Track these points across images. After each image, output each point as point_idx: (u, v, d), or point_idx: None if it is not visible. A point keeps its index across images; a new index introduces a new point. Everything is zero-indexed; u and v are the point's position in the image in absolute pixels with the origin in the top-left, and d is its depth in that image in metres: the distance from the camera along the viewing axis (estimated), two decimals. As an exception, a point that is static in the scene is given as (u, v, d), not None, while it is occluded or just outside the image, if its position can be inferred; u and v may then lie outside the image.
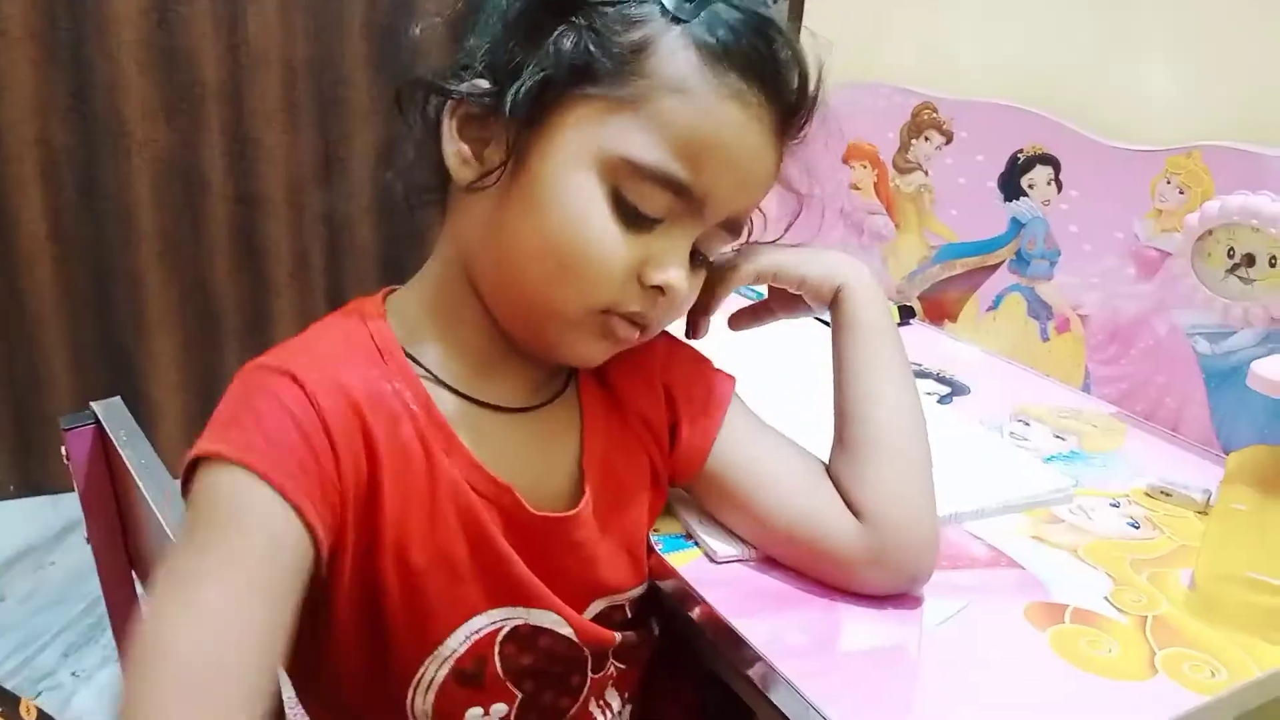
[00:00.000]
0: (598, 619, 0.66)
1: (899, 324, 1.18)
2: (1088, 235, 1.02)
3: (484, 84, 0.57)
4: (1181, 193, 0.92)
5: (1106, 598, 0.69)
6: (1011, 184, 1.08)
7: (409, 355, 0.60)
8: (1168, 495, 0.83)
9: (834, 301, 0.70)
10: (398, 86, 0.60)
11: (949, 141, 1.16)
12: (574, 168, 0.56)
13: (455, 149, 0.58)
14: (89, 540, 0.83)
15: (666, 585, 0.70)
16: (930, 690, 0.59)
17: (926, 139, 1.18)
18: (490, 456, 0.60)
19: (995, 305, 1.12)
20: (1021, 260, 1.09)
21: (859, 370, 0.69)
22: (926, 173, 1.19)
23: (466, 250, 0.61)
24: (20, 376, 1.86)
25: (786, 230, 0.71)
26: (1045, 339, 1.07)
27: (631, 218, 0.56)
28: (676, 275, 0.58)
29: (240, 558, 0.49)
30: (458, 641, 0.60)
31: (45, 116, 1.74)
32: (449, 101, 0.58)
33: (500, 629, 0.61)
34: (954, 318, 1.18)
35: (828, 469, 0.68)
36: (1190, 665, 0.62)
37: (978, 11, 1.16)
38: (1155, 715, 0.58)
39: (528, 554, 0.61)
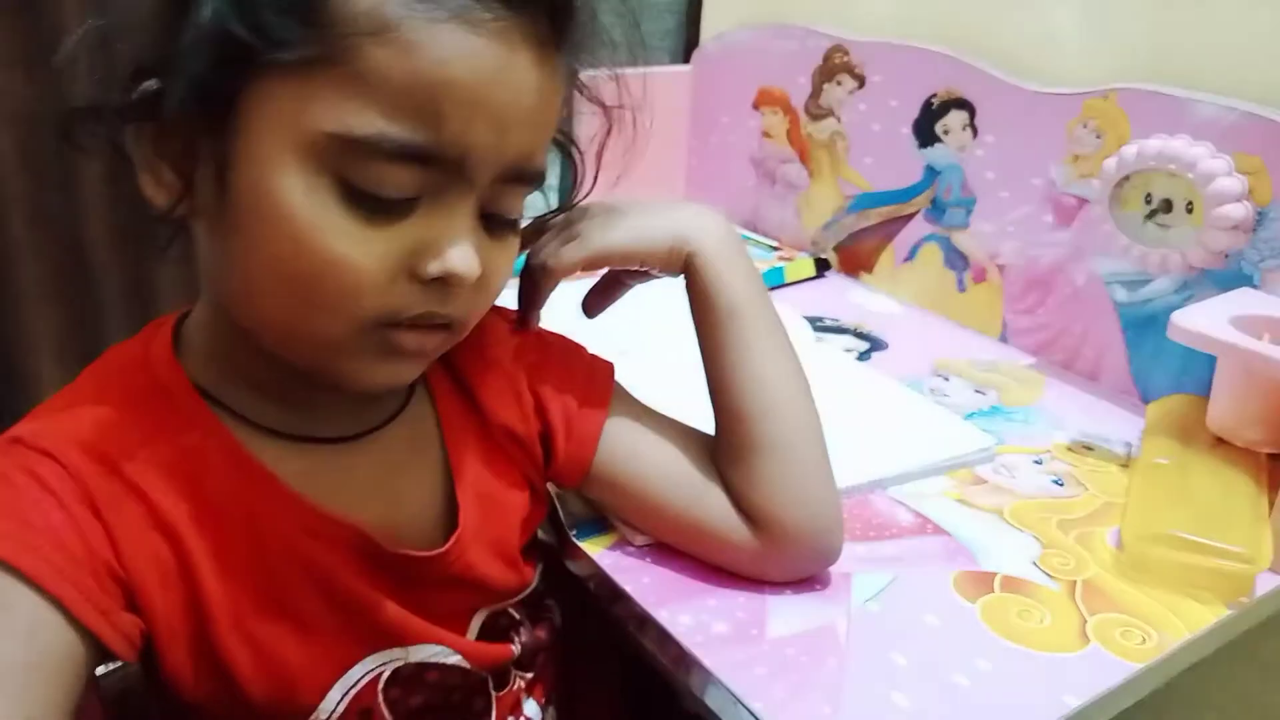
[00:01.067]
0: (484, 634, 0.60)
1: (814, 276, 1.15)
2: (1004, 182, 0.99)
3: (153, 85, 0.45)
4: (1098, 137, 0.90)
5: (1035, 563, 0.67)
6: (926, 130, 1.05)
7: (208, 395, 0.52)
8: (1090, 449, 0.81)
9: (686, 271, 0.61)
10: (58, 123, 0.47)
11: (861, 86, 1.12)
12: (280, 165, 0.44)
13: (145, 173, 0.48)
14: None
15: (582, 573, 0.66)
16: (860, 673, 0.56)
17: (839, 83, 1.14)
18: (327, 495, 0.53)
19: (911, 256, 1.10)
20: (937, 209, 1.06)
21: (729, 359, 0.61)
22: (839, 119, 1.15)
23: (212, 285, 0.52)
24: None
25: (599, 158, 0.60)
26: (962, 289, 1.05)
27: (373, 207, 0.45)
28: (459, 259, 0.46)
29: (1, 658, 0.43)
30: (334, 701, 0.53)
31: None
32: (127, 119, 0.47)
33: (379, 675, 0.55)
34: (870, 269, 1.15)
35: (716, 462, 0.63)
36: (1121, 631, 0.60)
37: (888, -51, 1.11)
38: (1089, 687, 0.56)
39: (393, 591, 0.54)
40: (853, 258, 1.17)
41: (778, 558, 0.61)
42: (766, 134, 1.25)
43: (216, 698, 0.52)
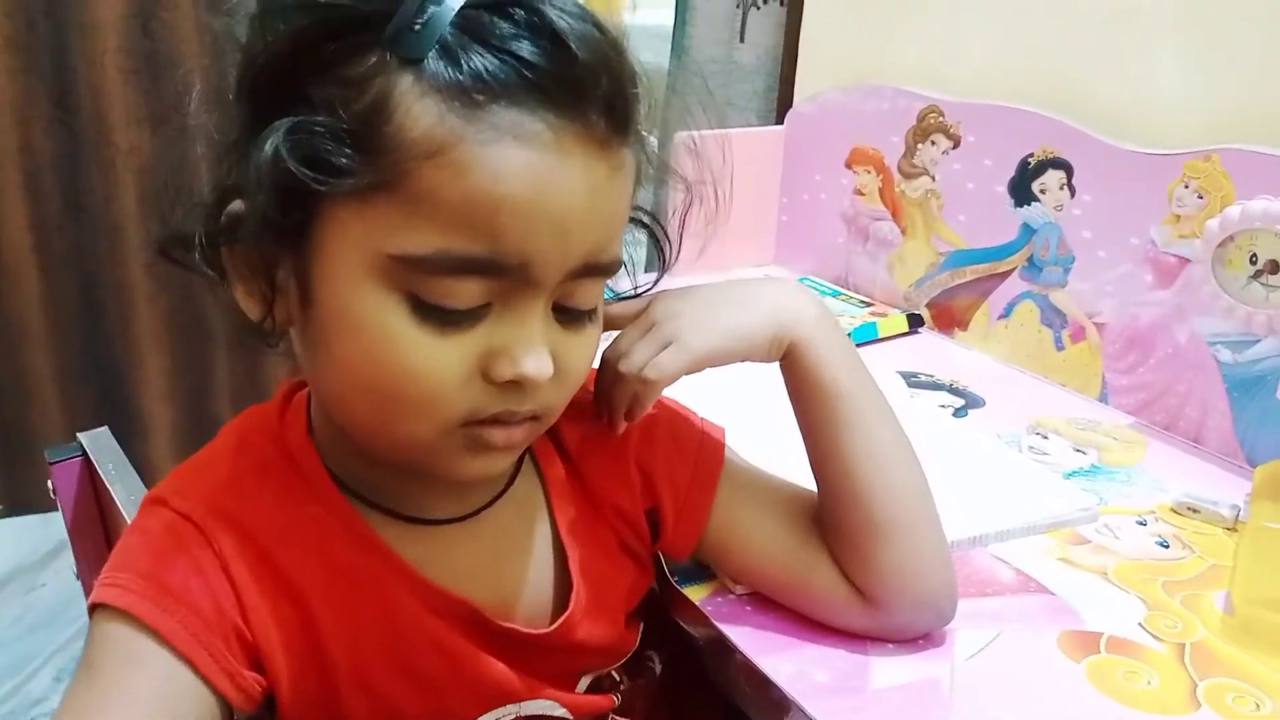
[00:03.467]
0: (591, 689, 0.62)
1: (907, 332, 1.16)
2: (1102, 241, 0.99)
3: (238, 207, 0.48)
4: (1200, 197, 0.90)
5: (1141, 624, 0.66)
6: (1022, 188, 1.06)
7: (332, 473, 0.55)
8: (1195, 511, 0.80)
9: (786, 357, 0.60)
10: (158, 248, 0.51)
11: (956, 146, 1.13)
12: (353, 284, 0.46)
13: (238, 285, 0.50)
14: (78, 576, 0.80)
15: (686, 622, 0.67)
16: (965, 730, 0.57)
17: (933, 143, 1.15)
18: (439, 572, 0.55)
19: (1007, 313, 1.10)
20: (1034, 267, 1.06)
21: (839, 443, 0.60)
22: (933, 178, 1.16)
23: (311, 385, 0.55)
24: (6, 393, 1.82)
25: (681, 228, 0.60)
26: (1060, 348, 1.04)
27: (444, 318, 0.46)
28: (530, 362, 0.47)
29: (135, 711, 0.46)
30: None
31: (27, 125, 1.70)
32: (215, 242, 0.49)
33: None
34: (964, 326, 1.15)
35: (823, 537, 0.62)
36: (1234, 697, 0.59)
37: (983, 10, 1.13)
38: (1201, 753, 0.55)
39: (506, 658, 0.57)
40: (946, 315, 1.17)
41: (887, 628, 0.62)
42: (859, 192, 1.26)
43: None
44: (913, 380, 1.04)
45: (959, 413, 0.97)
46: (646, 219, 0.60)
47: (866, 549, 0.60)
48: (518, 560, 0.59)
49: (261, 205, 0.46)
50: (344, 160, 0.44)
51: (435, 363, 0.47)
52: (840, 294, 1.26)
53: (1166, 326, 0.94)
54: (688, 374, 0.58)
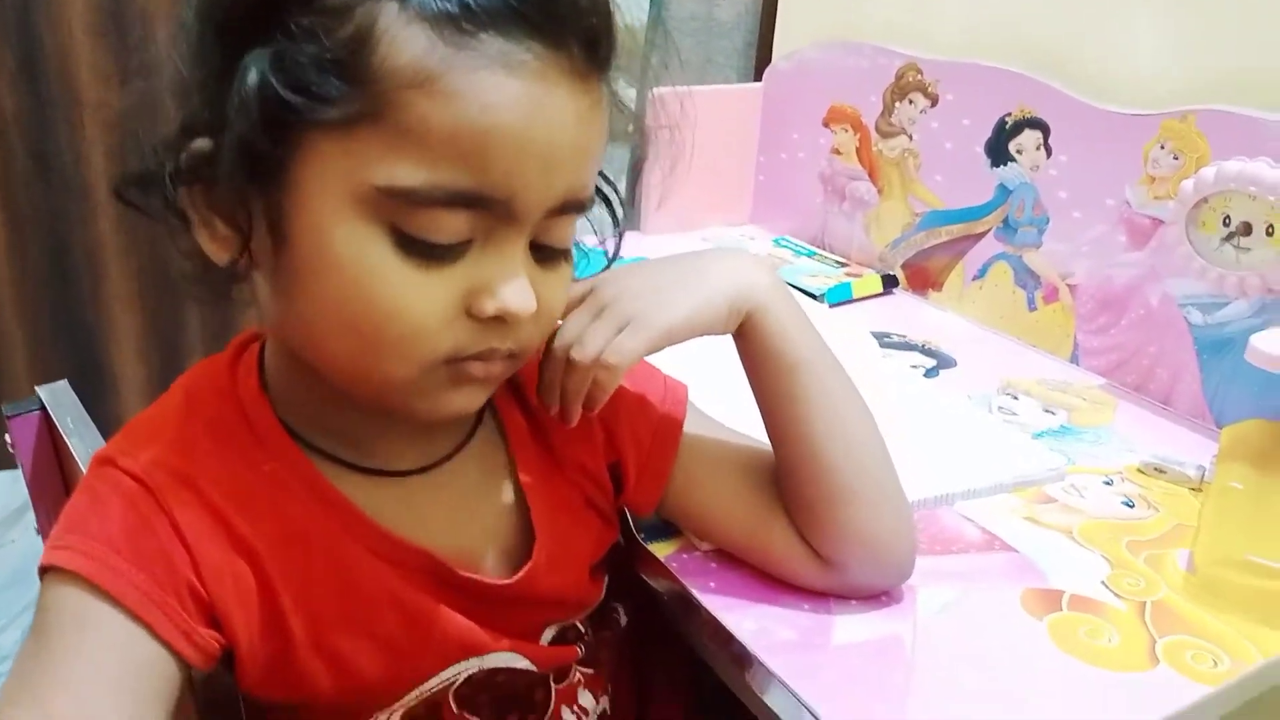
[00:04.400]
0: (556, 640, 0.62)
1: (881, 293, 1.15)
2: (1077, 202, 0.99)
3: (204, 144, 0.46)
4: (1176, 158, 0.89)
5: (1104, 582, 0.66)
6: (999, 149, 1.05)
7: (289, 428, 0.54)
8: (1161, 472, 0.80)
9: (740, 330, 0.59)
10: (115, 189, 0.49)
11: (934, 104, 1.12)
12: (333, 218, 0.45)
13: (202, 229, 0.48)
14: (38, 531, 0.79)
15: (651, 578, 0.67)
16: (926, 686, 0.57)
17: (911, 102, 1.14)
18: (401, 523, 0.55)
19: (981, 274, 1.09)
20: (1009, 228, 1.05)
21: (797, 413, 0.59)
22: (911, 137, 1.15)
23: (276, 331, 0.54)
24: (-26, 351, 1.80)
25: (636, 183, 0.59)
26: (1033, 309, 1.04)
27: (427, 252, 0.46)
28: (514, 296, 0.47)
29: (91, 674, 0.45)
30: (407, 702, 0.56)
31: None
32: (179, 181, 0.47)
33: (451, 684, 0.57)
34: (938, 286, 1.15)
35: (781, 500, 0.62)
36: (1193, 654, 0.60)
37: (964, -32, 1.11)
38: (1158, 708, 0.55)
39: (468, 610, 0.56)
40: (921, 275, 1.17)
41: (846, 587, 0.62)
42: (836, 151, 1.25)
43: (291, 702, 0.54)
44: (885, 340, 1.03)
45: (930, 373, 0.97)
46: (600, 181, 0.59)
47: (824, 517, 0.60)
48: (480, 511, 0.59)
49: (239, 137, 0.44)
50: (330, 89, 0.43)
51: (419, 299, 0.46)
52: (816, 254, 1.25)
53: (1139, 288, 0.94)
54: (648, 354, 0.57)
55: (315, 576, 0.53)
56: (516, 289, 0.47)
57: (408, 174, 0.44)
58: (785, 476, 0.62)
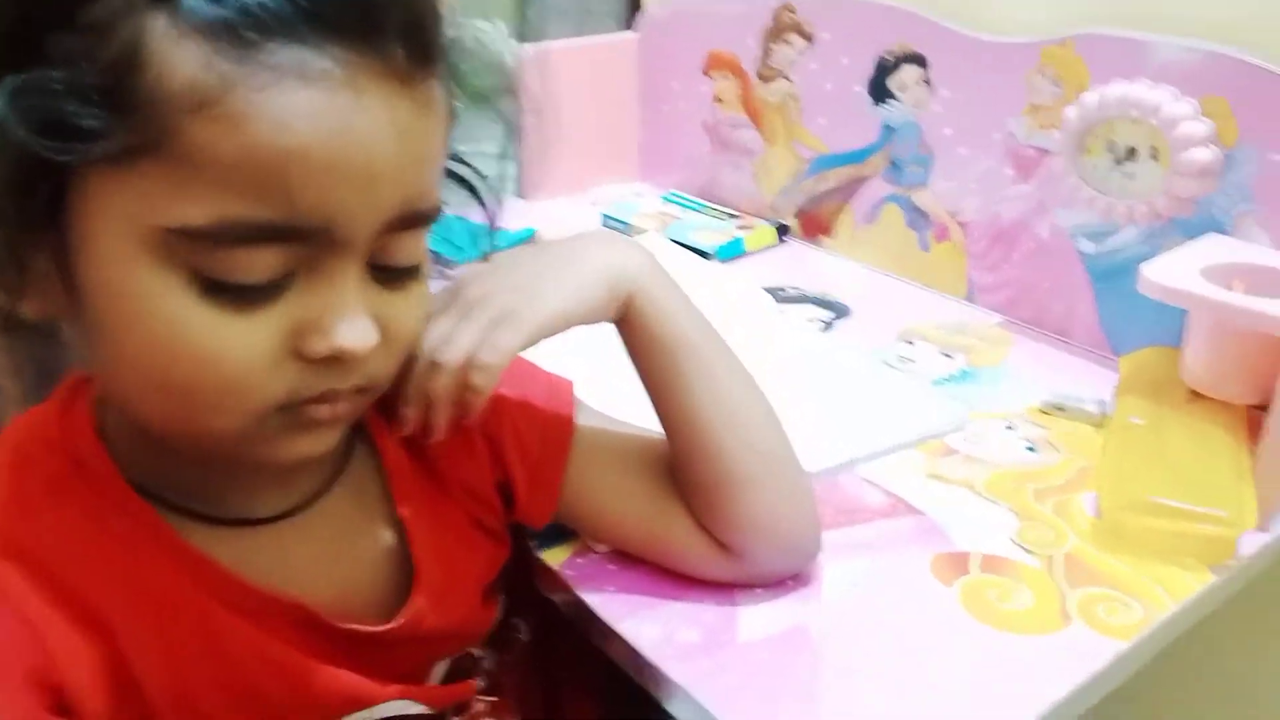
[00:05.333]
0: (451, 676, 0.58)
1: (774, 244, 1.12)
2: (963, 137, 0.96)
3: None
4: (1057, 86, 0.87)
5: (1013, 538, 0.64)
6: (880, 87, 1.01)
7: (130, 478, 0.47)
8: (1061, 410, 0.79)
9: (621, 317, 0.55)
10: None
11: (811, 44, 1.08)
12: (126, 264, 0.39)
13: None
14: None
15: (547, 588, 0.63)
16: (836, 674, 0.54)
17: (788, 43, 1.10)
18: (266, 574, 0.49)
19: (872, 217, 1.06)
20: (895, 168, 1.03)
21: (684, 397, 0.56)
22: (790, 80, 1.11)
23: (97, 380, 0.48)
24: None
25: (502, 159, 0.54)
26: (925, 249, 1.02)
27: (238, 295, 0.40)
28: (348, 334, 0.41)
29: None
30: None
31: None
32: None
33: None
34: (830, 232, 1.12)
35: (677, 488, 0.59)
36: (1105, 607, 0.58)
37: (830, -102, 1.07)
38: (1076, 671, 0.54)
39: (349, 661, 0.51)
40: (813, 222, 1.13)
41: (751, 576, 0.59)
42: (718, 100, 1.21)
43: None
44: (780, 295, 1.00)
45: (827, 326, 0.94)
46: (458, 167, 0.54)
47: (722, 503, 0.57)
48: (355, 553, 0.54)
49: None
50: (93, 121, 0.37)
51: (235, 346, 0.40)
52: (706, 208, 1.21)
53: (1029, 221, 0.92)
54: (525, 348, 0.52)
55: (177, 642, 0.47)
56: (350, 324, 0.42)
57: (199, 212, 0.38)
58: (679, 464, 0.58)
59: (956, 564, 0.62)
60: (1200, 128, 0.77)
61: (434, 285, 0.55)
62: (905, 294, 1.02)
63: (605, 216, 1.20)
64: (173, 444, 0.46)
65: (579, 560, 0.62)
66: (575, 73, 1.24)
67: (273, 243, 0.39)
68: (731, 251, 1.09)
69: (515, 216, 1.18)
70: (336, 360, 0.42)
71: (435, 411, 0.52)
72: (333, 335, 0.41)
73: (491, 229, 0.59)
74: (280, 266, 0.40)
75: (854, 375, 0.83)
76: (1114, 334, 0.88)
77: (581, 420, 0.60)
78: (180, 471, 0.48)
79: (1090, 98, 0.82)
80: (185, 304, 0.40)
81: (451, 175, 0.54)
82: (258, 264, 0.40)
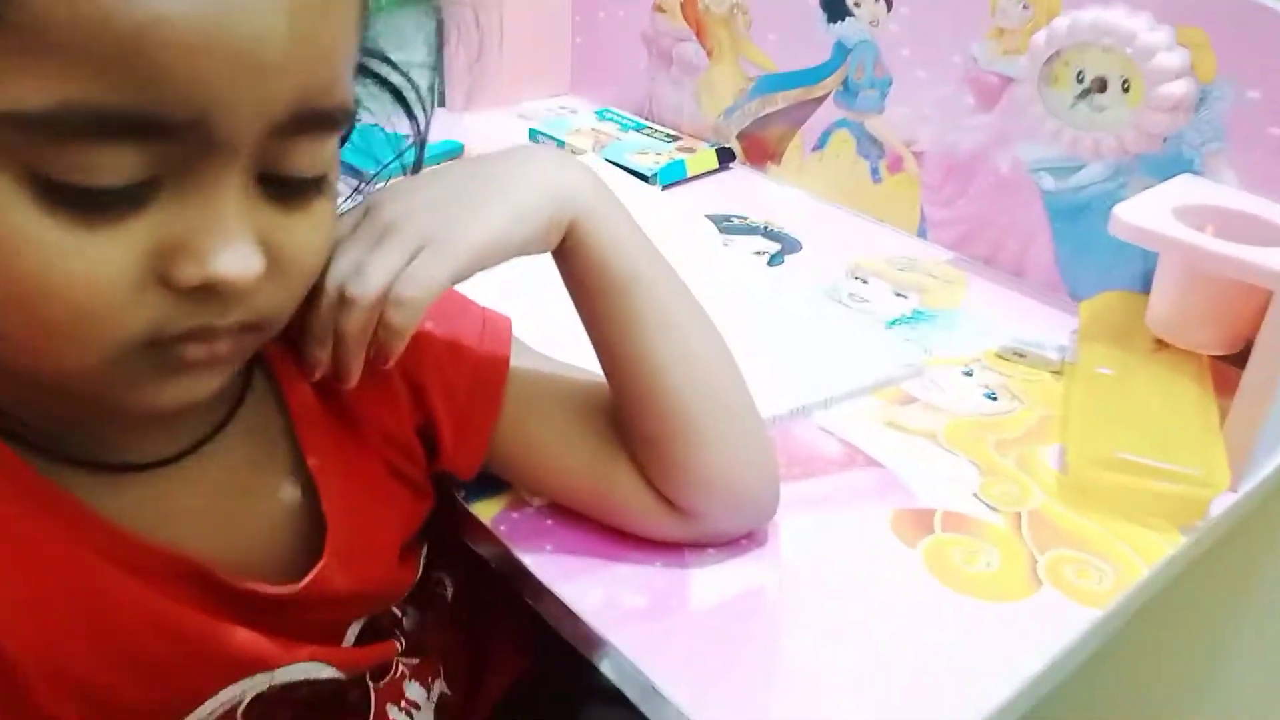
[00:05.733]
0: (363, 639, 0.51)
1: (717, 169, 1.06)
2: (921, 60, 0.90)
3: None
4: (1025, 9, 0.82)
5: (976, 494, 0.61)
6: (835, 2, 0.95)
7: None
8: (1021, 356, 0.75)
9: (561, 246, 0.49)
10: None
11: (762, -47, 1.00)
12: None
13: None
14: None
15: (477, 544, 0.57)
16: (793, 644, 0.50)
17: (737, -50, 1.02)
18: (154, 526, 0.43)
19: (822, 144, 1.01)
20: (848, 92, 0.97)
21: (630, 344, 0.50)
22: (739, -9, 1.04)
23: None
24: None
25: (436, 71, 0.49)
26: (877, 180, 0.97)
27: (87, 203, 0.33)
28: (226, 261, 0.35)
29: None
30: None
31: None
32: None
33: (238, 705, 0.46)
34: (777, 159, 1.05)
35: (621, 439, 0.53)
36: (1075, 570, 0.55)
37: None
38: (1050, 641, 0.50)
39: (248, 620, 0.45)
40: (759, 147, 1.07)
41: (703, 535, 0.54)
42: (659, 8, 1.12)
43: None
44: (725, 224, 0.94)
45: (774, 259, 0.89)
46: (379, 66, 0.47)
47: (671, 457, 0.51)
48: (255, 505, 0.47)
49: None
50: None
51: (84, 266, 0.33)
52: (645, 127, 1.13)
53: (988, 153, 0.87)
54: (454, 283, 0.45)
55: (47, 600, 0.40)
56: (229, 248, 0.35)
57: (35, 94, 0.31)
58: (625, 414, 0.53)
59: (919, 522, 0.58)
60: (1176, 59, 0.73)
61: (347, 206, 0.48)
62: (855, 227, 0.97)
63: (534, 132, 1.12)
64: (30, 381, 0.39)
65: (513, 515, 0.56)
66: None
67: (129, 138, 0.32)
68: (673, 175, 1.02)
69: (437, 128, 1.10)
70: (212, 291, 0.35)
71: (345, 354, 0.45)
72: (206, 261, 0.34)
73: (419, 142, 0.52)
74: (140, 170, 0.33)
75: (807, 315, 0.78)
76: (1071, 276, 0.84)
77: (517, 361, 0.54)
78: (50, 411, 0.41)
79: (1060, 22, 0.77)
80: (22, 212, 0.32)
81: (370, 75, 0.47)
82: (110, 164, 0.32)
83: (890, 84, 0.93)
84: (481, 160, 0.49)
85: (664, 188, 1.01)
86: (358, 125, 0.46)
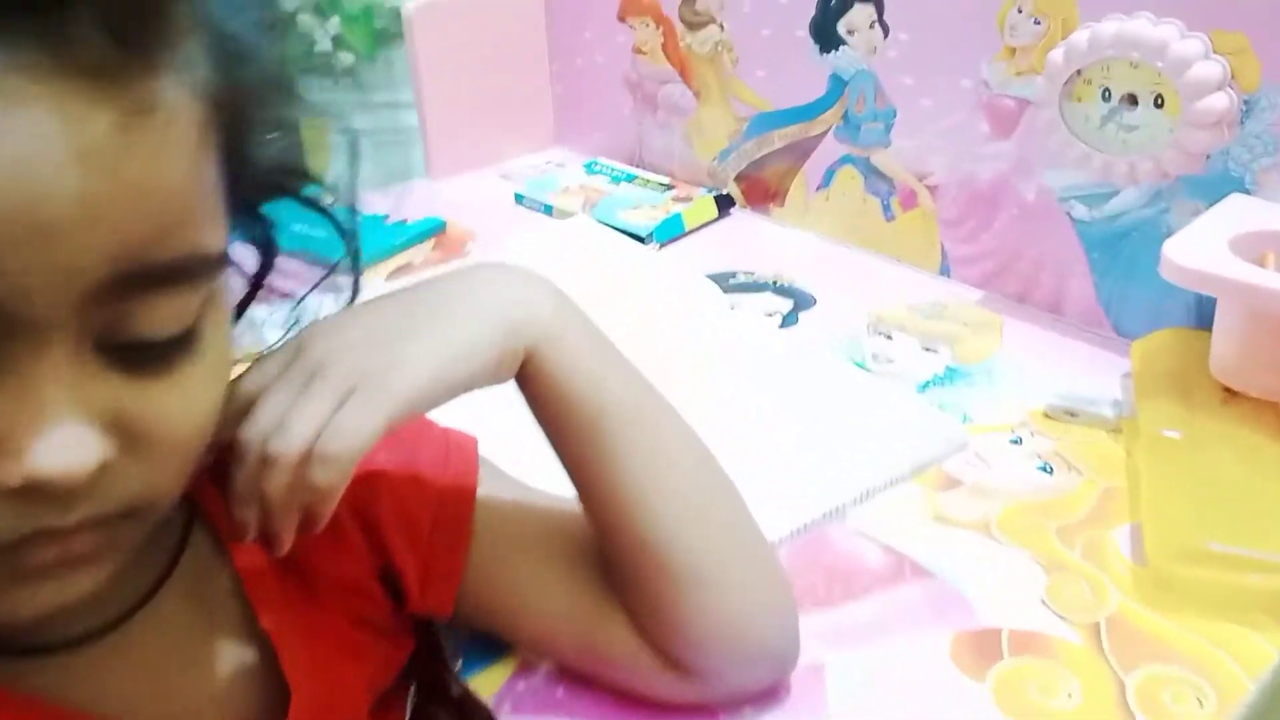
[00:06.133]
0: None
1: (717, 218, 0.99)
2: (926, 88, 0.83)
3: None
4: (1038, 24, 0.74)
5: (1044, 600, 0.53)
6: (827, 31, 0.88)
7: None
8: (1073, 415, 0.68)
9: (522, 376, 0.43)
10: None
11: (743, -17, 0.93)
12: None
13: None
14: None
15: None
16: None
17: (715, -17, 0.95)
18: (95, 702, 0.37)
19: (826, 182, 0.93)
20: (850, 125, 0.89)
21: (606, 479, 0.44)
22: (722, 26, 0.96)
23: None
24: None
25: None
26: (890, 218, 0.89)
27: None
28: (46, 456, 0.29)
29: None
30: None
31: None
32: None
33: None
34: (780, 199, 0.98)
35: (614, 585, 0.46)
36: (1171, 694, 0.47)
37: None
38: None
39: None
40: (759, 188, 1.00)
41: (711, 695, 0.47)
42: (639, 51, 1.06)
43: None
44: (730, 283, 0.87)
45: (788, 319, 0.82)
46: (301, 186, 0.41)
47: (665, 607, 0.44)
48: (204, 672, 0.41)
49: None
50: None
51: None
52: (636, 177, 1.06)
53: (1009, 183, 0.80)
54: (386, 432, 0.38)
55: None
56: (48, 439, 0.29)
57: None
58: (609, 559, 0.46)
59: (983, 646, 0.51)
60: (1214, 69, 0.65)
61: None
62: (871, 269, 0.89)
63: (520, 197, 1.05)
64: None
65: (519, 685, 0.49)
66: (472, 27, 1.08)
67: None
68: (670, 232, 0.95)
69: (419, 203, 1.04)
70: (41, 490, 0.29)
71: (272, 518, 0.38)
72: (22, 457, 0.28)
73: (353, 260, 0.45)
74: None
75: (829, 389, 0.70)
76: (1115, 311, 0.77)
77: (487, 490, 0.47)
78: None
79: (1079, 38, 0.70)
80: None
81: (278, 195, 0.41)
82: None
83: (894, 115, 0.86)
84: (424, 286, 0.43)
85: (661, 245, 0.94)
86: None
